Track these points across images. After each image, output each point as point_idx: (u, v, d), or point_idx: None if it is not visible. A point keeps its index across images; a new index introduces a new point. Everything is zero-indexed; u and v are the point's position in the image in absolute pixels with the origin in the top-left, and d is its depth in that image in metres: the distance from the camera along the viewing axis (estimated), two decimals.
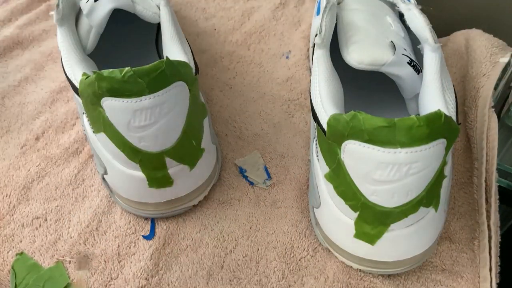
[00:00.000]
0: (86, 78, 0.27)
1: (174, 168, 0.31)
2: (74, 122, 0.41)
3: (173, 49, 0.32)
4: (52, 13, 0.33)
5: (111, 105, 0.27)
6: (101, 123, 0.29)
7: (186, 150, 0.31)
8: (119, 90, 0.26)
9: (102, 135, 0.29)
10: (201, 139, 0.32)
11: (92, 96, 0.27)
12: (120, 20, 0.39)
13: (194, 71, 0.31)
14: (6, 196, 0.36)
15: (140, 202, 0.33)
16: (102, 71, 0.27)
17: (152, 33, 0.42)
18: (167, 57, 0.27)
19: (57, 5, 0.33)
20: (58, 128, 0.40)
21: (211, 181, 0.35)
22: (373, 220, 0.28)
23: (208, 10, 0.48)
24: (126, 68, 0.26)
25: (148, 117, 0.27)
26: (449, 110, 0.28)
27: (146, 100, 0.27)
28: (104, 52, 0.38)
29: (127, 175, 0.31)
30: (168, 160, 0.30)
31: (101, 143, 0.31)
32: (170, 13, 0.34)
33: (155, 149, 0.29)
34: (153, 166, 0.30)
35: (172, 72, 0.27)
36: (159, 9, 0.35)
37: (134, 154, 0.29)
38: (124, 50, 0.41)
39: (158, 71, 0.27)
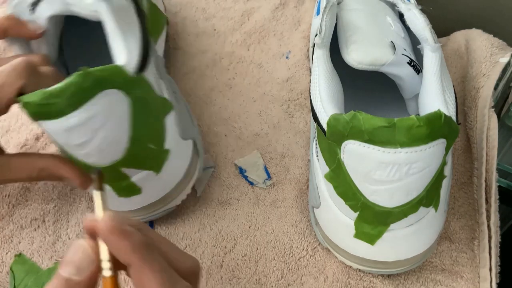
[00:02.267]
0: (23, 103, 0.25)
1: (137, 176, 0.30)
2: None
3: (115, 46, 0.29)
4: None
5: (47, 127, 0.26)
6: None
7: (143, 156, 0.29)
8: (43, 113, 0.25)
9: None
10: (163, 140, 0.30)
11: (33, 119, 0.26)
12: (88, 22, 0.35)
13: (135, 69, 0.28)
14: (5, 196, 0.36)
15: (125, 211, 0.32)
16: (23, 96, 0.25)
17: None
18: (84, 68, 0.25)
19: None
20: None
21: (190, 178, 0.33)
22: (373, 220, 0.28)
23: (208, 10, 0.48)
24: (41, 90, 0.24)
25: (81, 135, 0.26)
26: (449, 110, 0.28)
27: (72, 118, 0.25)
28: (82, 57, 0.36)
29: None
30: (127, 170, 0.29)
31: None
32: (107, 7, 0.30)
33: (105, 163, 0.28)
34: (113, 178, 0.29)
35: (93, 83, 0.25)
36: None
37: (89, 169, 0.28)
38: (100, 52, 0.38)
39: (74, 86, 0.25)
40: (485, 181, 0.34)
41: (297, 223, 0.35)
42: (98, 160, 0.27)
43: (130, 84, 0.27)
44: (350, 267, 0.32)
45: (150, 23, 0.38)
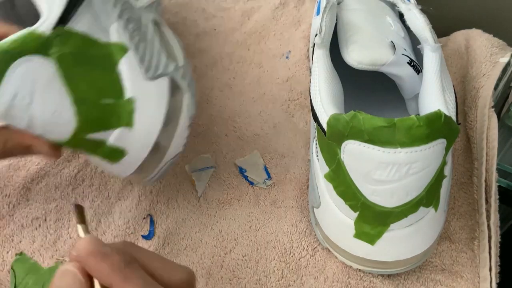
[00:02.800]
0: None
1: (112, 138, 0.28)
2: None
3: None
4: None
5: None
6: None
7: (102, 115, 0.27)
8: None
9: None
10: (121, 90, 0.27)
11: None
12: None
13: (53, 24, 0.25)
14: (6, 196, 0.36)
15: (132, 174, 0.30)
16: None
17: None
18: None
19: None
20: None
21: (178, 118, 0.30)
22: (373, 220, 0.28)
23: (208, 10, 0.48)
24: None
25: (18, 118, 0.24)
26: (449, 110, 0.28)
27: None
28: None
29: (95, 161, 0.29)
30: (94, 135, 0.27)
31: None
32: None
33: (66, 136, 0.26)
34: (89, 147, 0.28)
35: None
36: None
37: (62, 145, 0.27)
38: None
39: None
40: (485, 181, 0.34)
41: (297, 223, 0.35)
42: (54, 136, 0.26)
43: (48, 43, 0.24)
44: (350, 267, 0.32)
45: None
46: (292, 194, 0.36)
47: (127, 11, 0.30)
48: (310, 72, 0.44)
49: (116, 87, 0.27)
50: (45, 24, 0.25)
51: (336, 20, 0.34)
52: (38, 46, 0.24)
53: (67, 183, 0.37)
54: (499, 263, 0.32)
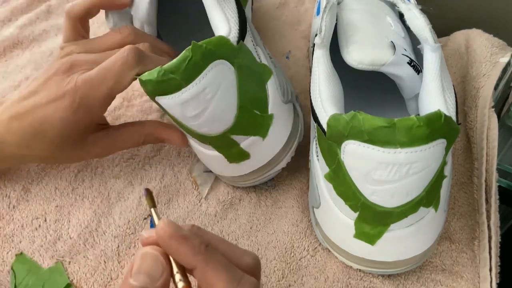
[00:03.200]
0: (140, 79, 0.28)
1: (245, 142, 0.31)
2: None
3: (214, 18, 0.31)
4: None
5: (163, 103, 0.28)
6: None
7: (250, 123, 0.30)
8: (160, 89, 0.27)
9: None
10: (267, 106, 0.31)
11: (151, 96, 0.28)
12: None
13: (236, 38, 0.29)
14: (6, 196, 0.36)
15: (236, 176, 0.34)
16: (142, 75, 0.27)
17: None
18: (193, 42, 0.27)
19: None
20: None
21: (294, 141, 0.34)
22: (373, 220, 0.28)
23: None
24: (158, 68, 0.26)
25: (195, 107, 0.28)
26: (449, 110, 0.28)
27: (185, 93, 0.27)
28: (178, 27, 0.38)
29: (210, 156, 0.32)
30: (236, 137, 0.30)
31: None
32: None
33: (216, 132, 0.29)
34: (224, 145, 0.31)
35: (202, 56, 0.27)
36: None
37: (202, 138, 0.30)
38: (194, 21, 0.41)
39: (186, 61, 0.26)
40: (485, 181, 0.34)
41: (298, 223, 0.35)
42: (209, 130, 0.29)
43: (234, 53, 0.29)
44: (351, 267, 0.32)
45: None
46: (292, 194, 0.36)
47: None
48: (310, 72, 0.44)
49: (265, 102, 0.31)
50: (231, 37, 0.29)
51: (336, 20, 0.34)
52: (229, 53, 0.28)
53: (67, 183, 0.37)
54: (499, 263, 0.32)
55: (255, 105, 0.30)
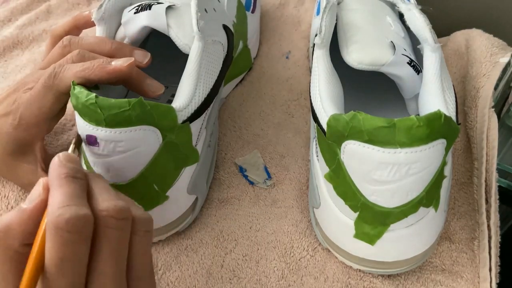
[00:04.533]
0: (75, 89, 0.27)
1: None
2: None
3: (184, 85, 0.30)
4: (93, 11, 0.33)
5: (78, 122, 0.27)
6: None
7: (141, 192, 0.29)
8: (82, 111, 0.26)
9: None
10: (169, 187, 0.30)
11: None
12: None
13: (185, 118, 0.29)
14: (4, 197, 0.36)
15: None
16: (76, 88, 0.27)
17: None
18: (140, 98, 0.26)
19: (100, 6, 0.33)
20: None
21: (170, 229, 0.33)
22: (373, 220, 0.28)
23: None
24: (91, 94, 0.26)
25: (102, 148, 0.27)
26: (449, 110, 0.28)
27: (101, 132, 0.26)
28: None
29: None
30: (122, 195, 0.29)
31: None
32: (199, 49, 0.31)
33: (107, 179, 0.28)
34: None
35: (140, 115, 0.26)
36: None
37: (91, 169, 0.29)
38: (169, 68, 0.39)
39: (121, 109, 0.26)
40: (485, 181, 0.34)
41: (297, 223, 0.35)
42: (102, 173, 0.28)
43: (172, 129, 0.28)
44: (350, 267, 0.32)
45: (234, 66, 0.39)
46: (292, 194, 0.36)
47: None
48: (310, 72, 0.44)
49: (169, 183, 0.31)
50: (181, 114, 0.29)
51: (336, 20, 0.34)
52: (165, 127, 0.28)
53: None
54: (499, 263, 0.32)
55: (157, 180, 0.29)
